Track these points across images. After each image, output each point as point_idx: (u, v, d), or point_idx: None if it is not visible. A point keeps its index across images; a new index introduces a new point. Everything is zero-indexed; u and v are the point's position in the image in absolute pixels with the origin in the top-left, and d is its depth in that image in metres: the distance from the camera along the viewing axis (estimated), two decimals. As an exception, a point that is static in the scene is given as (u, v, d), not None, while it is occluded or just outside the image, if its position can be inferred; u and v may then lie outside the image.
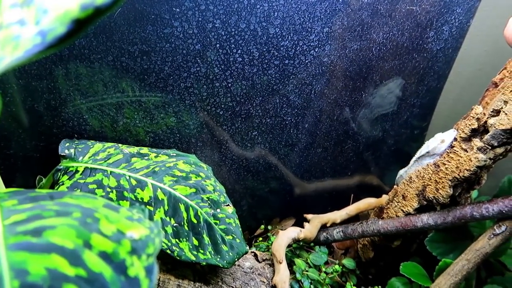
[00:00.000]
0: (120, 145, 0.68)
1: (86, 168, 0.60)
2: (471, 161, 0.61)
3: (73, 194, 0.34)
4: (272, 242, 0.77)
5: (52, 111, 0.65)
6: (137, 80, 0.67)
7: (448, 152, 0.65)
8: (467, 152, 0.62)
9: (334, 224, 0.85)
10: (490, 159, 0.60)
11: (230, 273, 0.68)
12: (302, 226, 0.82)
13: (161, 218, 0.57)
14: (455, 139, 0.64)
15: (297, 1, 0.67)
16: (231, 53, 0.68)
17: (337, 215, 0.85)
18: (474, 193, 0.88)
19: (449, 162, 0.64)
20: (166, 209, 0.58)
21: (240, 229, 0.64)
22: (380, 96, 0.85)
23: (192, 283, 0.62)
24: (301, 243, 0.84)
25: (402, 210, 0.72)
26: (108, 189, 0.57)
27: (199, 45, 0.66)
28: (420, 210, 0.70)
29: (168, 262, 0.63)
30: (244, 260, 0.73)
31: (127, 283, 0.24)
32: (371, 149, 0.95)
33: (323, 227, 0.85)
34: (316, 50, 0.73)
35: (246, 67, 0.71)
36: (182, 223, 0.58)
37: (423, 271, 0.73)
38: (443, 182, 0.65)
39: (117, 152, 0.65)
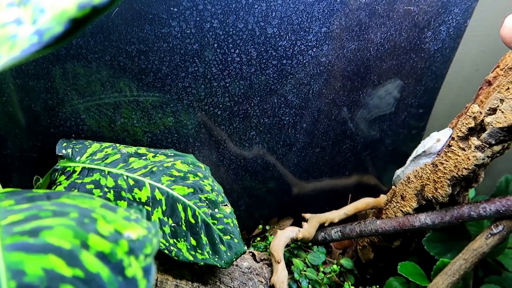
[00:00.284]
0: (117, 145, 0.68)
1: (83, 168, 0.60)
2: (469, 159, 0.61)
3: (70, 194, 0.34)
4: (270, 242, 0.77)
5: (49, 110, 0.65)
6: (135, 80, 0.66)
7: (445, 151, 0.65)
8: (465, 151, 0.62)
9: (332, 224, 0.85)
10: (488, 157, 0.60)
11: (228, 273, 0.68)
12: (300, 226, 0.82)
13: (158, 218, 0.57)
14: (452, 138, 0.64)
15: (295, 1, 0.67)
16: (229, 53, 0.68)
17: (335, 215, 0.85)
18: (471, 193, 0.88)
19: (447, 161, 0.64)
20: (164, 209, 0.58)
21: (238, 229, 0.64)
22: (378, 96, 0.85)
23: (190, 283, 0.62)
24: (299, 243, 0.84)
25: (401, 210, 0.73)
26: (106, 189, 0.57)
27: (197, 44, 0.66)
28: (419, 210, 0.70)
29: (166, 262, 0.62)
30: (242, 260, 0.73)
31: (125, 284, 0.24)
32: (369, 149, 0.95)
33: (321, 227, 0.85)
34: (314, 50, 0.73)
35: (244, 67, 0.71)
36: (180, 223, 0.58)
37: (420, 270, 0.73)
38: (441, 181, 0.65)
39: (114, 152, 0.64)
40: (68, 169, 0.60)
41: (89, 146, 0.65)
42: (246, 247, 0.63)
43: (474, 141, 0.60)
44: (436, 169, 0.66)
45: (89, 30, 0.60)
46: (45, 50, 0.21)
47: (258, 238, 0.88)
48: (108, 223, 0.28)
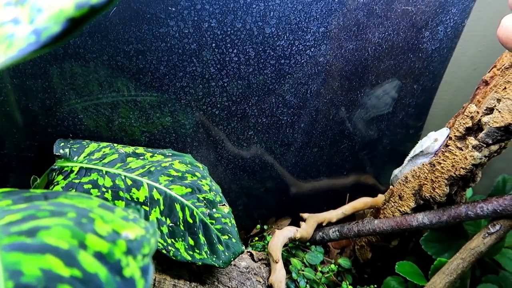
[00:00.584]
0: (115, 144, 0.68)
1: (81, 168, 0.60)
2: (467, 159, 0.61)
3: (68, 194, 0.34)
4: (268, 242, 0.77)
5: (46, 110, 0.65)
6: (133, 80, 0.66)
7: (443, 151, 0.65)
8: (462, 150, 0.62)
9: (330, 224, 0.85)
10: (485, 156, 0.60)
11: (226, 272, 0.68)
12: (298, 226, 0.82)
13: (156, 218, 0.57)
14: (450, 138, 0.64)
15: (293, 1, 0.67)
16: (227, 53, 0.68)
17: (333, 214, 0.86)
18: (468, 192, 0.88)
19: (445, 161, 0.64)
20: (161, 209, 0.58)
21: (236, 228, 0.63)
22: (376, 95, 0.86)
23: (188, 283, 0.62)
24: (297, 243, 0.84)
25: (399, 210, 0.73)
26: (104, 189, 0.57)
27: (195, 44, 0.65)
28: (417, 210, 0.71)
29: (164, 262, 0.62)
30: (240, 260, 0.73)
31: (123, 284, 0.24)
32: (366, 149, 0.95)
33: (319, 227, 0.85)
34: (312, 50, 0.73)
35: (242, 66, 0.70)
36: (178, 223, 0.58)
37: (418, 270, 0.73)
38: (439, 181, 0.65)
39: (112, 152, 0.64)
40: (65, 169, 0.59)
41: (86, 146, 0.65)
42: (244, 247, 0.63)
43: (472, 140, 0.61)
44: (433, 169, 0.66)
45: (86, 29, 0.60)
46: (43, 50, 0.21)
47: (256, 238, 0.88)
48: (106, 223, 0.28)
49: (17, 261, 0.23)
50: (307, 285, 0.75)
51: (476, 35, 0.85)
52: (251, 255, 0.76)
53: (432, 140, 0.68)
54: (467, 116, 0.61)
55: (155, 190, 0.59)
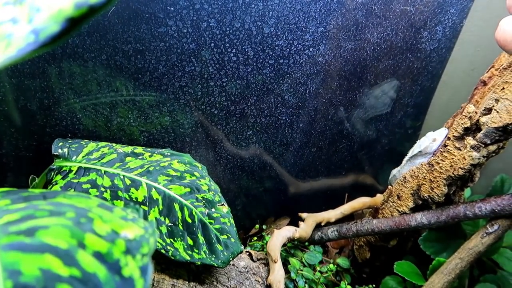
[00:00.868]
0: (114, 144, 0.68)
1: (79, 167, 0.59)
2: (465, 159, 0.61)
3: (67, 194, 0.34)
4: (266, 242, 0.77)
5: (45, 110, 0.65)
6: (131, 79, 0.66)
7: (441, 151, 0.65)
8: (460, 150, 0.62)
9: (328, 223, 0.85)
10: (483, 156, 0.60)
11: (225, 272, 0.68)
12: (297, 226, 0.82)
13: (155, 218, 0.57)
14: (448, 138, 0.64)
15: (292, 1, 0.67)
16: (225, 52, 0.68)
17: (332, 214, 0.86)
18: (467, 192, 0.89)
19: (443, 161, 0.64)
20: (160, 209, 0.58)
21: (235, 228, 0.63)
22: (374, 95, 0.86)
23: (187, 282, 0.62)
24: (296, 242, 0.84)
25: (397, 210, 0.73)
26: (102, 189, 0.57)
27: (193, 44, 0.65)
28: (415, 210, 0.71)
29: (163, 262, 0.62)
30: (239, 260, 0.73)
31: (122, 283, 0.24)
32: (365, 149, 0.95)
33: (318, 227, 0.85)
34: (311, 50, 0.73)
35: (241, 66, 0.70)
36: (177, 223, 0.58)
37: (416, 269, 0.73)
38: (437, 181, 0.65)
39: (111, 152, 0.64)
40: (64, 168, 0.59)
41: (85, 146, 0.65)
42: (243, 247, 0.63)
43: (470, 141, 0.61)
44: (432, 169, 0.66)
45: (85, 29, 0.60)
46: (41, 49, 0.21)
47: (255, 238, 0.88)
48: (105, 222, 0.28)
49: (16, 260, 0.23)
50: (306, 285, 0.75)
51: (474, 35, 0.85)
52: (250, 255, 0.76)
53: (430, 140, 0.68)
54: (466, 116, 0.62)
55: (154, 189, 0.59)
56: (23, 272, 0.22)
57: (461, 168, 0.62)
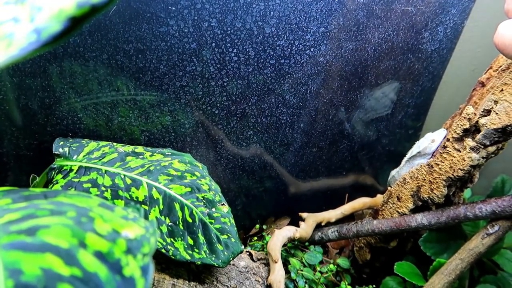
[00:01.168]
0: (114, 144, 0.68)
1: (80, 167, 0.60)
2: (465, 160, 0.61)
3: (68, 193, 0.34)
4: (267, 242, 0.77)
5: (46, 109, 0.65)
6: (132, 79, 0.66)
7: (441, 152, 0.65)
8: (460, 152, 0.62)
9: (329, 223, 0.85)
10: (482, 158, 0.60)
11: (225, 272, 0.68)
12: (297, 226, 0.82)
13: (156, 217, 0.57)
14: (447, 139, 0.64)
15: (293, 1, 0.67)
16: (226, 52, 0.68)
17: (332, 214, 0.86)
18: (467, 193, 0.89)
19: (443, 162, 0.64)
20: (161, 208, 0.58)
21: (235, 228, 0.63)
22: (375, 96, 0.86)
23: (187, 282, 0.62)
24: (296, 243, 0.84)
25: (397, 211, 0.73)
26: (103, 188, 0.57)
27: (194, 44, 0.65)
28: (415, 211, 0.71)
29: (163, 262, 0.62)
30: (239, 260, 0.73)
31: (122, 283, 0.24)
32: (365, 149, 0.95)
33: (318, 227, 0.85)
34: (312, 50, 0.73)
35: (242, 66, 0.70)
36: (177, 222, 0.58)
37: (417, 270, 0.73)
38: (437, 182, 0.65)
39: (111, 151, 0.64)
40: (65, 167, 0.59)
41: (86, 145, 0.65)
42: (243, 247, 0.63)
43: (469, 142, 0.61)
44: (431, 170, 0.66)
45: (86, 28, 0.60)
46: (43, 49, 0.21)
47: (255, 238, 0.88)
48: (106, 222, 0.28)
49: (17, 260, 0.23)
50: (306, 285, 0.75)
51: (475, 35, 0.85)
52: (250, 254, 0.76)
53: (429, 141, 0.68)
54: (465, 117, 0.62)
55: (154, 189, 0.59)
56: (24, 272, 0.22)
57: (461, 170, 0.62)
